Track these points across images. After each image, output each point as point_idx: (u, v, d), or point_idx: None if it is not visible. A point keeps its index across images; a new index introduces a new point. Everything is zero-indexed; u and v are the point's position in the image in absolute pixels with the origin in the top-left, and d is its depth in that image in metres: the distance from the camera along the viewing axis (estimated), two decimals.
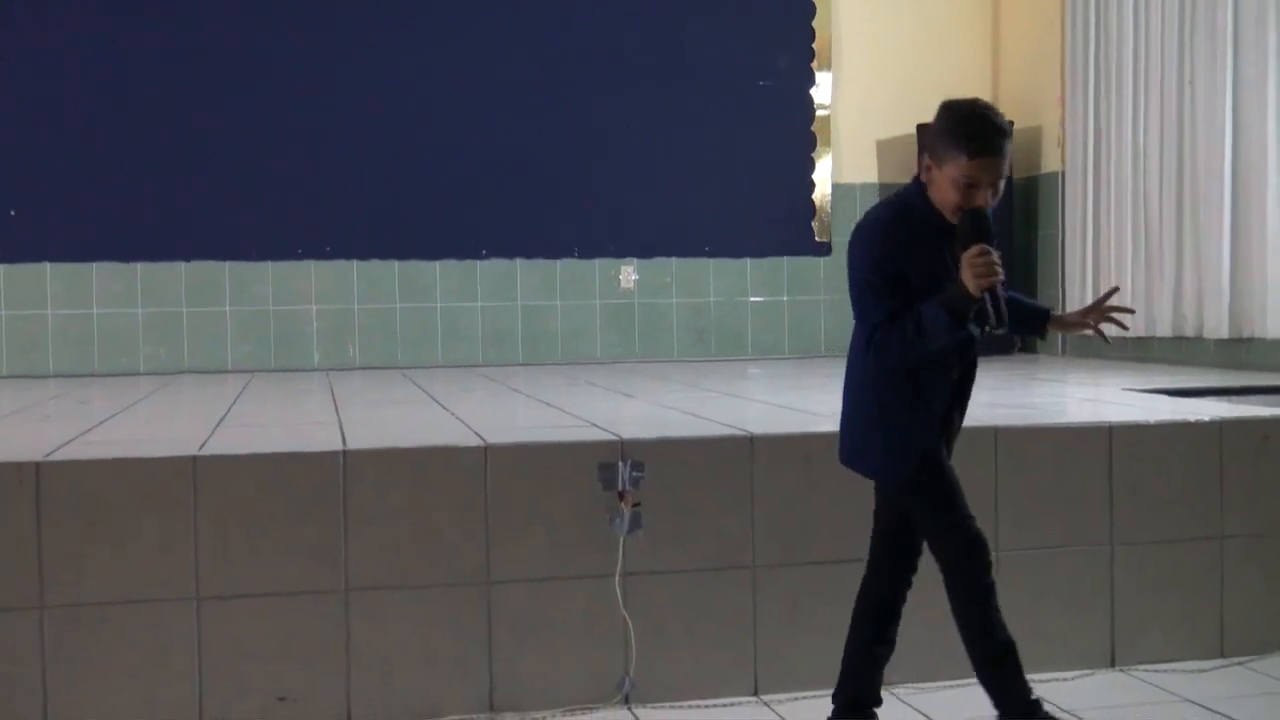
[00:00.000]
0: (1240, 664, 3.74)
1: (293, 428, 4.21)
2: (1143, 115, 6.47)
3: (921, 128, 7.48)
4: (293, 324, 6.97)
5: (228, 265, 6.89)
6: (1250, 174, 5.78)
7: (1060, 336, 7.23)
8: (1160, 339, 6.41)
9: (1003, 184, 2.88)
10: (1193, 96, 6.11)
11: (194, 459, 3.24)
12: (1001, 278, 2.76)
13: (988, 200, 2.84)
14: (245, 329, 6.92)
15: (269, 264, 6.94)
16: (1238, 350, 5.93)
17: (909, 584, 3.06)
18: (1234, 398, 4.68)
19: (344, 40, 7.03)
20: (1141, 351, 6.54)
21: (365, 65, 7.04)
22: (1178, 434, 3.85)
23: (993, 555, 2.93)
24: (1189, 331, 6.17)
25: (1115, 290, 3.22)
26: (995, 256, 2.75)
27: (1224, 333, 5.92)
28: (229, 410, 4.52)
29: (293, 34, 6.95)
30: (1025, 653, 2.92)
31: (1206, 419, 3.89)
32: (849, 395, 3.04)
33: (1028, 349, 7.55)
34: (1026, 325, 3.23)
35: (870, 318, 2.89)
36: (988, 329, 2.80)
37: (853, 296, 2.99)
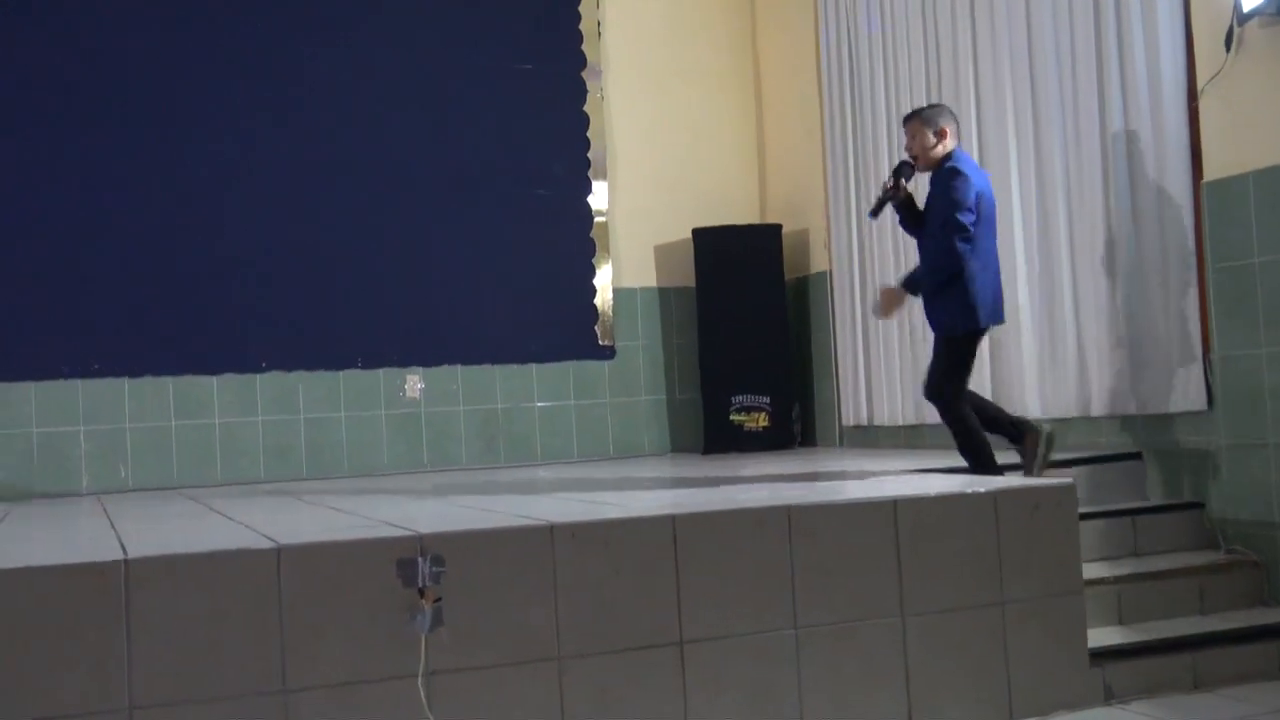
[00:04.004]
0: None
1: (66, 542, 3.98)
2: None
3: (696, 231, 7.75)
4: (58, 446, 6.61)
5: None
6: (1002, 264, 6.15)
7: (837, 429, 7.50)
8: (930, 426, 6.70)
9: (910, 143, 4.99)
10: None
11: None
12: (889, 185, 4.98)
13: (906, 149, 5.05)
14: (3, 453, 6.52)
15: (30, 384, 6.58)
16: None
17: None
18: (1004, 473, 4.93)
19: (115, 146, 6.81)
20: (914, 439, 6.84)
21: (136, 172, 6.83)
22: (957, 505, 4.03)
23: (792, 631, 3.01)
24: None
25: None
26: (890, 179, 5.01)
27: None
28: None
29: (57, 141, 6.70)
30: None
31: (983, 490, 4.09)
32: None
33: (807, 441, 7.79)
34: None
35: None
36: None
37: None
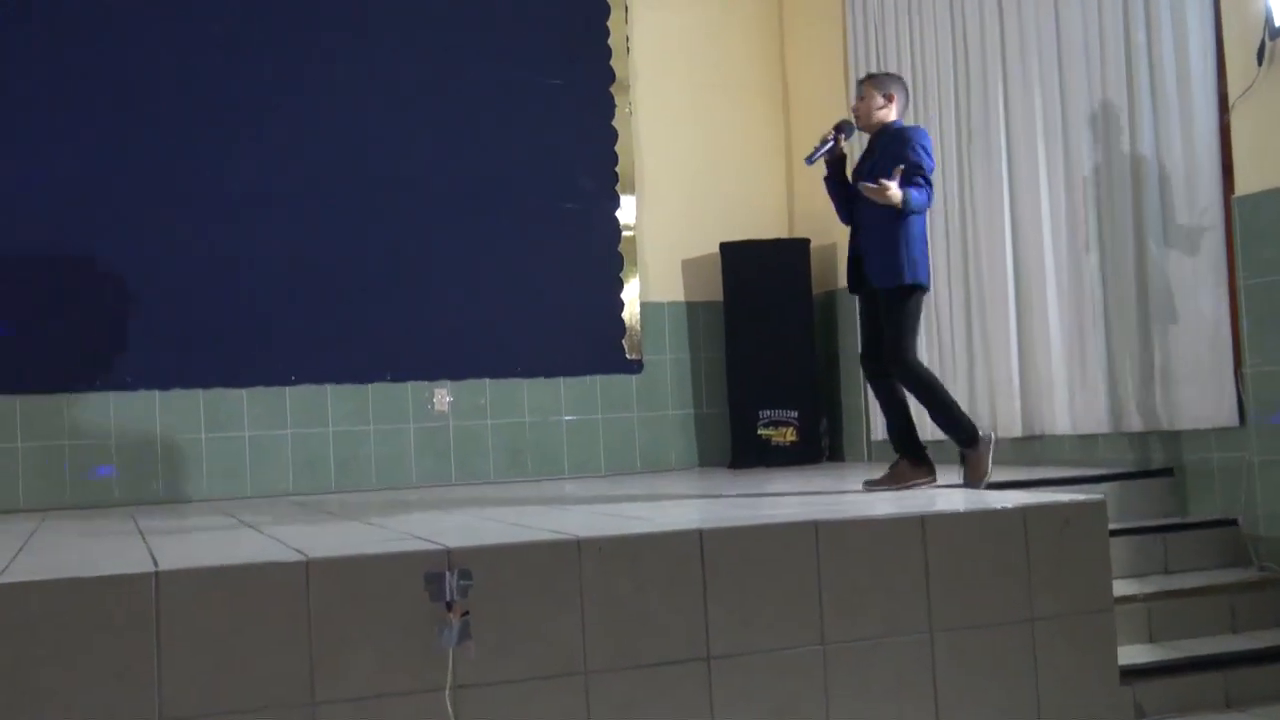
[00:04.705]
0: None
1: (98, 554, 4.00)
2: (928, 227, 6.82)
3: (724, 245, 7.75)
4: (91, 459, 6.66)
5: (19, 399, 6.57)
6: (1031, 279, 6.15)
7: (866, 444, 7.47)
8: None
9: (859, 104, 5.22)
10: (973, 207, 6.51)
11: None
12: (829, 137, 5.15)
13: (852, 109, 5.31)
14: (39, 465, 6.58)
15: (63, 396, 6.64)
16: (1031, 447, 6.23)
17: None
18: (1033, 488, 4.91)
19: (146, 162, 6.86)
20: (943, 454, 6.79)
21: (168, 187, 6.89)
22: (986, 521, 4.01)
23: (820, 647, 3.01)
24: (984, 431, 6.44)
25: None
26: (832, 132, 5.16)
27: (1017, 431, 6.22)
28: (26, 542, 4.28)
29: (90, 158, 6.77)
30: None
31: (1011, 506, 4.06)
32: None
33: (835, 456, 7.77)
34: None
35: None
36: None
37: None
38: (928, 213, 6.69)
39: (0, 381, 6.54)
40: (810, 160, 5.21)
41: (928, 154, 5.02)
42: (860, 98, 5.21)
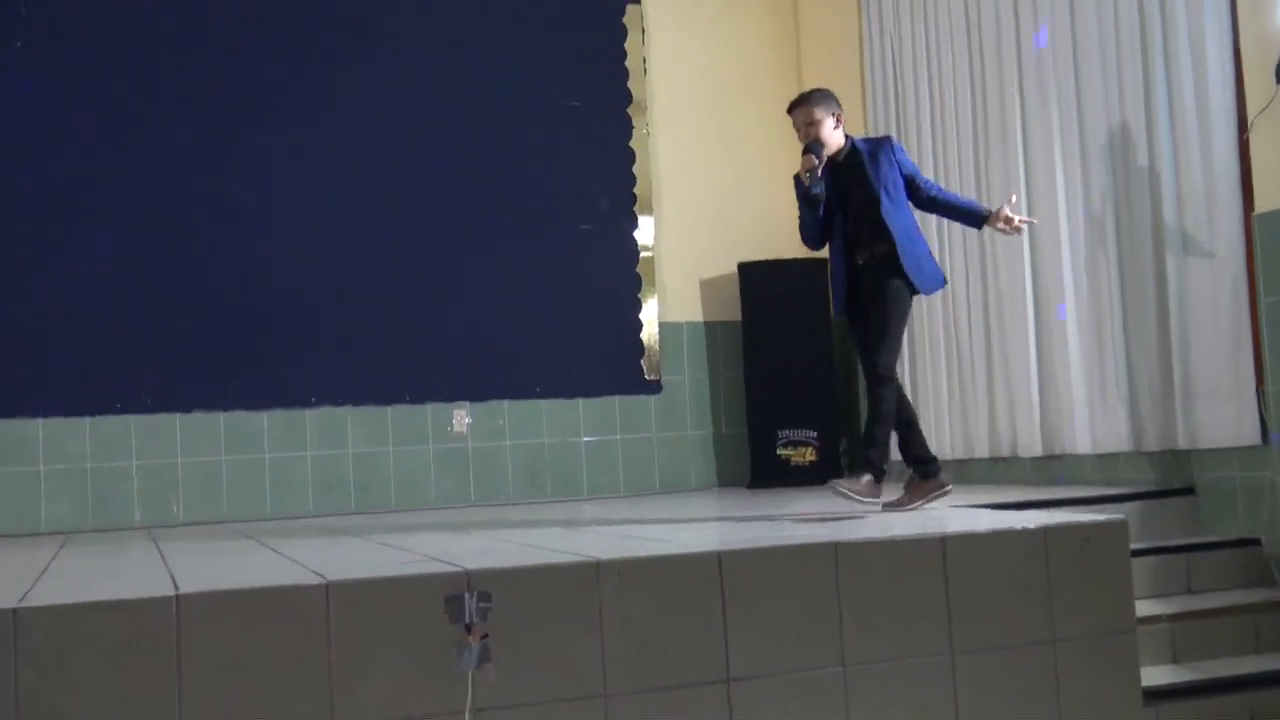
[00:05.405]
0: None
1: (118, 578, 4.02)
2: (946, 245, 6.84)
3: (742, 266, 7.76)
4: (111, 481, 6.70)
5: (41, 422, 6.61)
6: (1049, 297, 6.13)
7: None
8: (978, 460, 6.67)
9: (810, 129, 5.07)
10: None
11: (14, 612, 3.06)
12: (809, 167, 5.02)
13: (805, 135, 5.09)
14: (60, 488, 6.62)
15: (85, 419, 6.68)
16: (1051, 467, 6.20)
17: None
18: (1053, 508, 4.89)
19: (165, 184, 6.91)
20: (962, 473, 6.78)
21: (183, 209, 6.93)
22: (1006, 542, 3.99)
23: (840, 669, 3.00)
24: (1004, 451, 6.44)
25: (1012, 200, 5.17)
26: (807, 162, 5.02)
27: (1037, 450, 6.20)
28: (47, 566, 4.30)
29: (108, 180, 6.82)
30: None
31: (1032, 526, 4.05)
32: None
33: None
34: (965, 219, 5.26)
35: None
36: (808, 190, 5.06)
37: None
38: (944, 227, 6.76)
39: (22, 404, 6.58)
40: (814, 185, 5.07)
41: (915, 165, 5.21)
42: (810, 123, 5.07)
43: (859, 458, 5.07)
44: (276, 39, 7.22)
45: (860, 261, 5.10)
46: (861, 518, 4.74)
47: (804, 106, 5.11)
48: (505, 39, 7.67)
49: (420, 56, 7.49)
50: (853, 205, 5.11)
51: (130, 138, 6.88)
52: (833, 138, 5.11)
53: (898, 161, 5.05)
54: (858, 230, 5.11)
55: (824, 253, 5.11)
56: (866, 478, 4.89)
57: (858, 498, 4.81)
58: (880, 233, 5.02)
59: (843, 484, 4.87)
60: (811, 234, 5.20)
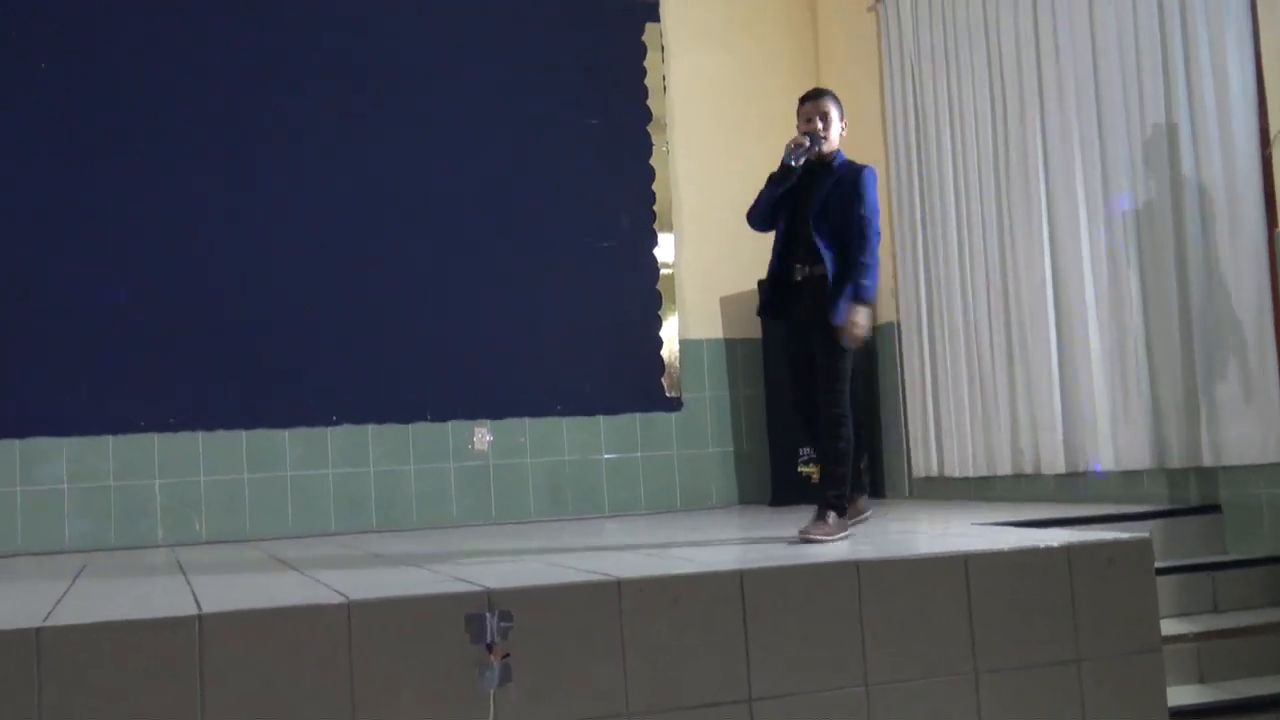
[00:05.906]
0: None
1: (142, 597, 4.04)
2: (968, 262, 6.82)
3: (762, 283, 7.74)
4: (134, 499, 6.73)
5: (65, 441, 6.65)
6: (1072, 314, 6.11)
7: (907, 480, 7.43)
8: (1001, 477, 6.64)
9: (818, 121, 4.88)
10: (1013, 242, 6.48)
11: (37, 631, 3.07)
12: (800, 144, 4.78)
13: (809, 127, 4.88)
14: (84, 506, 6.65)
15: (109, 438, 6.72)
16: (1074, 484, 6.17)
17: None
18: (1076, 526, 4.87)
19: (182, 200, 6.95)
20: (985, 490, 6.76)
21: (203, 228, 6.98)
22: (1030, 560, 3.97)
23: (863, 688, 2.98)
24: (1027, 468, 6.41)
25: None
26: (799, 140, 4.81)
27: (1060, 467, 6.16)
28: (71, 585, 4.31)
29: (127, 199, 6.87)
30: None
31: (1055, 545, 4.02)
32: None
33: (876, 493, 7.72)
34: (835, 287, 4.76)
35: None
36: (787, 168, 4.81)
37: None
38: (964, 244, 6.71)
39: (46, 423, 6.62)
40: (796, 157, 4.77)
41: (876, 206, 4.80)
42: (821, 114, 4.88)
43: (829, 496, 4.73)
44: (289, 64, 7.26)
45: (798, 279, 4.86)
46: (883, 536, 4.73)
47: (821, 99, 4.93)
48: (524, 58, 7.70)
49: (438, 77, 7.52)
50: (799, 213, 4.88)
51: (148, 155, 6.92)
52: (833, 139, 4.90)
53: (862, 209, 4.75)
54: (793, 239, 4.89)
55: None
56: (832, 516, 4.68)
57: (831, 539, 4.58)
58: (814, 251, 4.79)
59: (813, 532, 4.59)
60: (763, 211, 4.93)
